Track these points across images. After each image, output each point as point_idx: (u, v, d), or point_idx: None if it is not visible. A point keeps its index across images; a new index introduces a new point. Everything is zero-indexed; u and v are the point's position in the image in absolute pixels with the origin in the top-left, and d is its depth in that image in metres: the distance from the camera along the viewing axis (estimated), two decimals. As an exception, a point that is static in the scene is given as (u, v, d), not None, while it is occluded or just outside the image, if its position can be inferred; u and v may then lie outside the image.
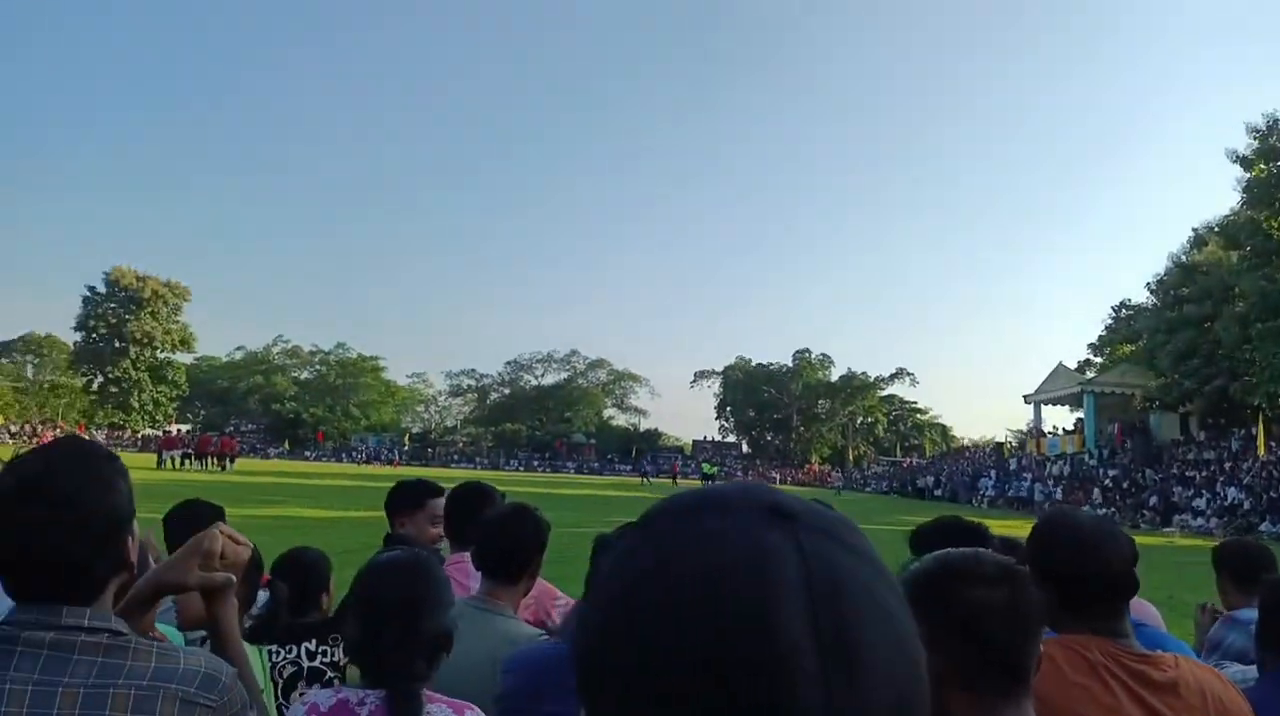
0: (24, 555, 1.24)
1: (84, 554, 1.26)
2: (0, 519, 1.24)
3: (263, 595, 2.64)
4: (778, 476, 67.00)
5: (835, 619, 0.43)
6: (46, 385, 74.99)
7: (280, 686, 2.73)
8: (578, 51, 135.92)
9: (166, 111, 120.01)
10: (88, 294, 71.84)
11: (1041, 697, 1.35)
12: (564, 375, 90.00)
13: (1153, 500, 33.39)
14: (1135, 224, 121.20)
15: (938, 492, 48.38)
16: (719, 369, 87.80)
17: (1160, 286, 45.79)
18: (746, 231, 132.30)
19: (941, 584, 1.30)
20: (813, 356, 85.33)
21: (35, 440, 55.99)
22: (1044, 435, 49.23)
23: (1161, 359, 40.43)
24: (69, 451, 1.30)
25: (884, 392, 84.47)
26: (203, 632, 1.65)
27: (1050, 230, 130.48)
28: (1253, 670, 2.46)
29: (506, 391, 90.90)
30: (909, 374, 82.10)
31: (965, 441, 78.91)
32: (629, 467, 71.05)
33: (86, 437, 1.45)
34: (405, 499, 3.38)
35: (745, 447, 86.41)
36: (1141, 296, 51.46)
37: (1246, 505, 29.64)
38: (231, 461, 41.74)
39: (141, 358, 71.55)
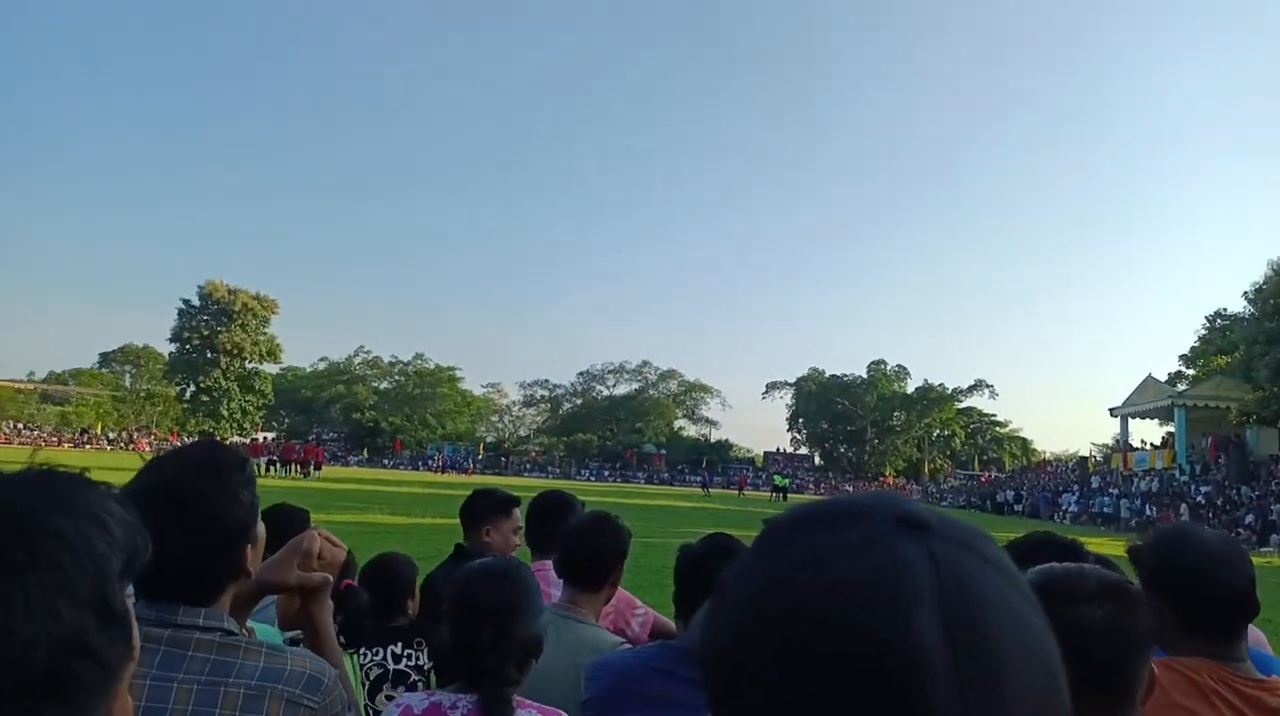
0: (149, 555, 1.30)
1: (203, 558, 1.32)
2: None
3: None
4: (851, 489, 65.72)
5: (969, 628, 0.44)
6: (143, 394, 78.39)
7: (367, 688, 2.82)
8: (637, 46, 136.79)
9: (259, 133, 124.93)
10: (182, 307, 75.08)
11: None
12: (635, 386, 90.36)
13: (1249, 518, 31.80)
14: (1232, 229, 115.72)
15: (1018, 508, 47.01)
16: (791, 380, 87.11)
17: (1259, 295, 43.56)
18: (821, 241, 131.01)
19: (1041, 600, 1.26)
20: (888, 367, 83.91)
21: (132, 447, 58.74)
22: (1132, 449, 47.38)
23: (1260, 371, 38.44)
24: (201, 458, 1.36)
25: (962, 405, 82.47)
26: (296, 631, 1.71)
27: (1138, 236, 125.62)
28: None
29: (578, 402, 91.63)
30: (988, 386, 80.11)
31: (1047, 455, 76.48)
32: (699, 479, 70.81)
33: (221, 443, 1.51)
34: (495, 506, 3.37)
35: (817, 460, 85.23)
36: (1238, 305, 49.28)
37: (1351, 524, 27.99)
38: (318, 468, 42.62)
39: (231, 368, 74.33)
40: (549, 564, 2.72)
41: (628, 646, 2.44)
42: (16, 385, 76.74)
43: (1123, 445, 49.04)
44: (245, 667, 1.28)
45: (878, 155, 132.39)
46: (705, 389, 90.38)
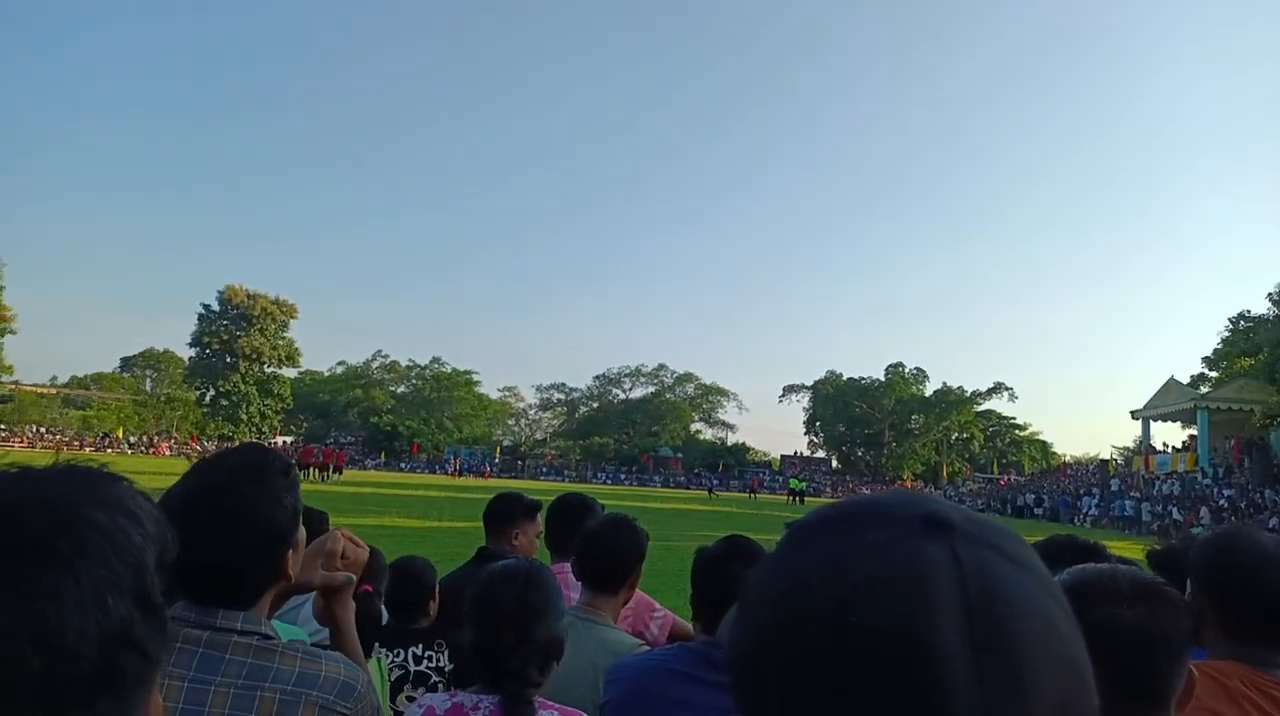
0: (191, 558, 1.32)
1: (244, 562, 1.34)
2: (174, 523, 1.33)
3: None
4: (868, 492, 65.33)
5: (992, 628, 0.43)
6: (163, 398, 79.10)
7: (388, 689, 2.84)
8: (652, 48, 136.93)
9: (278, 141, 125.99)
10: (202, 312, 75.83)
11: None
12: (652, 389, 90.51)
13: (1272, 522, 31.43)
14: (1256, 230, 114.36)
15: (1038, 511, 46.66)
16: (808, 383, 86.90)
17: (1283, 296, 43.24)
18: (839, 243, 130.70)
19: (1072, 601, 1.25)
20: (906, 370, 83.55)
21: (152, 451, 59.29)
22: (1154, 452, 46.91)
23: (1284, 373, 38.11)
24: (247, 462, 1.39)
25: (981, 408, 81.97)
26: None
27: (1162, 238, 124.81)
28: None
29: (595, 405, 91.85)
30: (1007, 388, 79.68)
31: (1067, 458, 75.89)
32: (716, 482, 70.70)
33: (266, 447, 1.54)
34: (523, 511, 3.39)
35: (835, 463, 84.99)
36: (1262, 307, 48.73)
37: (1379, 529, 27.62)
38: (338, 472, 42.63)
39: (250, 372, 75.03)
40: (568, 566, 2.73)
41: (646, 648, 2.45)
42: (39, 390, 77.54)
43: (1144, 448, 48.54)
44: (281, 672, 1.30)
45: (896, 156, 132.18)
46: (722, 392, 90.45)
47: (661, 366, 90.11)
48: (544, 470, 75.95)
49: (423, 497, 30.45)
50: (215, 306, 75.69)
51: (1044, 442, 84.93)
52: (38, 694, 0.55)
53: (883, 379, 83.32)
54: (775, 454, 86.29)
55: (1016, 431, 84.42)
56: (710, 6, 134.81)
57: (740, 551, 2.11)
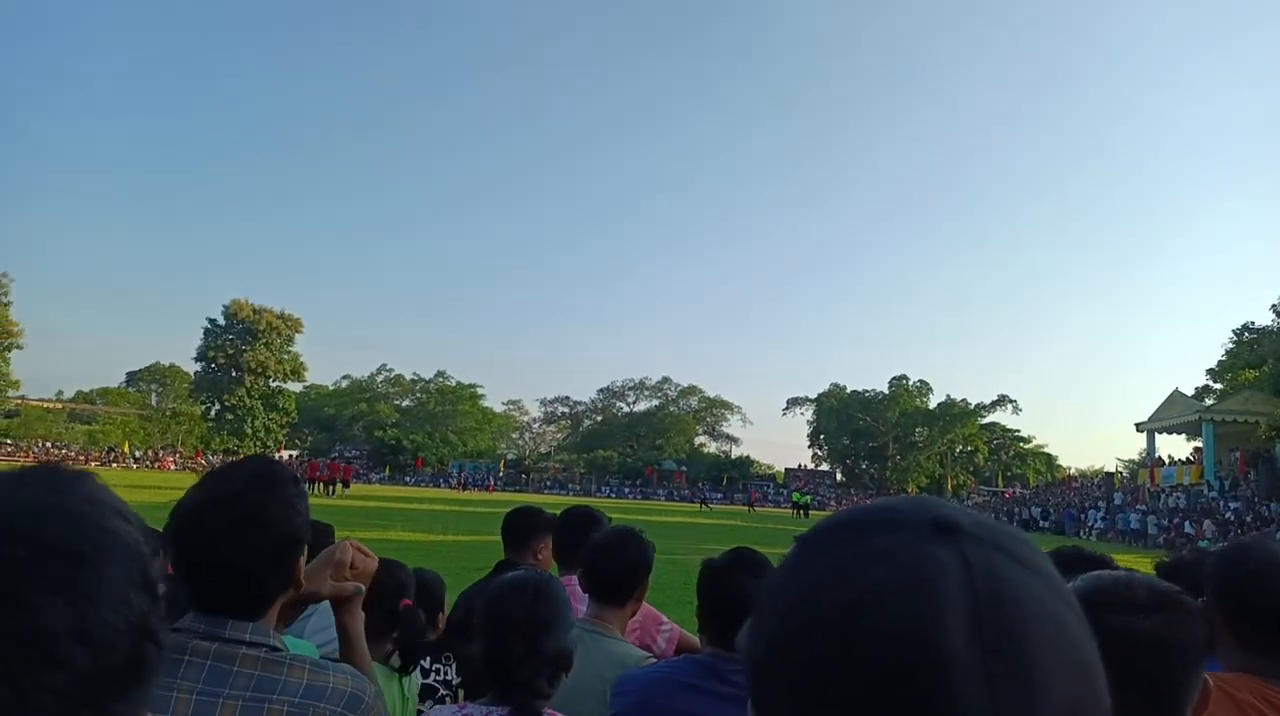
0: (203, 567, 1.33)
1: (257, 570, 1.35)
2: (187, 531, 1.34)
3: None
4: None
5: (1001, 632, 0.43)
6: (169, 412, 79.22)
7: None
8: (654, 63, 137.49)
9: (285, 156, 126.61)
10: (208, 326, 76.00)
11: None
12: (656, 402, 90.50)
13: (1279, 535, 31.29)
14: (1260, 242, 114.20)
15: (1044, 525, 46.38)
16: (812, 396, 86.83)
17: (1288, 308, 43.16)
18: (842, 256, 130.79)
19: (1086, 608, 1.24)
20: (910, 383, 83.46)
21: (157, 465, 59.32)
22: (1160, 464, 46.69)
23: (1290, 385, 37.96)
24: (258, 472, 1.40)
25: (985, 420, 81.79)
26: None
27: (1165, 250, 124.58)
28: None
29: (599, 418, 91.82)
30: (1011, 401, 79.59)
31: (1072, 471, 75.48)
32: (720, 496, 70.52)
33: (274, 459, 1.55)
34: (546, 524, 3.39)
35: (839, 476, 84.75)
36: (1267, 318, 48.69)
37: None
38: (346, 486, 42.39)
39: (255, 386, 75.13)
40: (575, 579, 2.74)
41: (653, 661, 2.45)
42: (45, 404, 77.77)
43: (1149, 461, 48.30)
44: (289, 685, 1.30)
45: (900, 170, 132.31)
46: (726, 405, 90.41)
47: (665, 379, 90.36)
48: (548, 483, 75.92)
49: (428, 511, 30.39)
50: (221, 321, 75.87)
51: (1049, 455, 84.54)
52: (86, 690, 0.57)
53: (886, 391, 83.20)
54: (780, 467, 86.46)
55: (1021, 444, 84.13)
56: (711, 25, 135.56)
57: (746, 563, 2.12)
